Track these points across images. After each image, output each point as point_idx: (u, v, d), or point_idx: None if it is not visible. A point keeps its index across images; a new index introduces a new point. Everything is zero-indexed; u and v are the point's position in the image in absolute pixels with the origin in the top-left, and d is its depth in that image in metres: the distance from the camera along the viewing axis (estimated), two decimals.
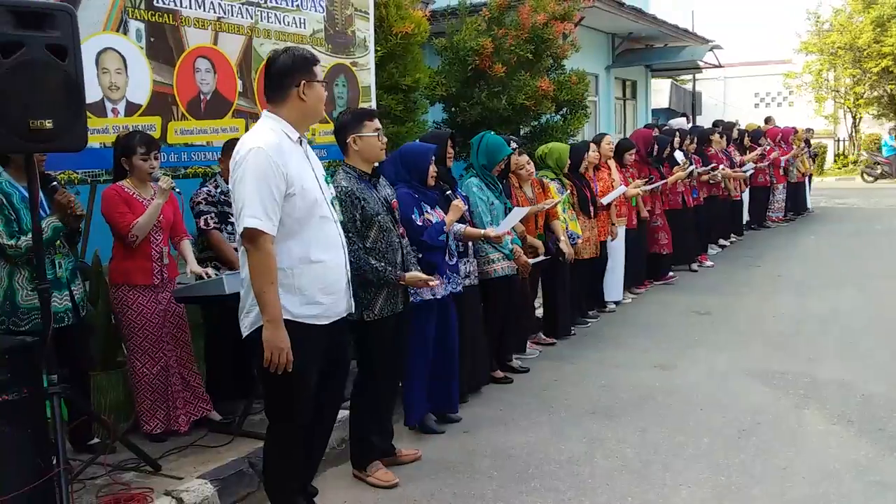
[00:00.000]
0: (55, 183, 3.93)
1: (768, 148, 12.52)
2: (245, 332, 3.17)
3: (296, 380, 3.10)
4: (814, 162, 15.18)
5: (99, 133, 4.46)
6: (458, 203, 4.56)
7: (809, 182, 15.23)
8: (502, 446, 4.39)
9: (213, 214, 4.69)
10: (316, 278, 3.13)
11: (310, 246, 3.11)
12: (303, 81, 3.12)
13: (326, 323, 3.21)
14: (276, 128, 3.11)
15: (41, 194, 3.76)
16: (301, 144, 3.19)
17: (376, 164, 3.96)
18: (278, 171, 2.98)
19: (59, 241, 3.92)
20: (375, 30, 6.78)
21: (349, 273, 3.34)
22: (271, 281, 2.97)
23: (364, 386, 4.02)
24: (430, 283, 4.02)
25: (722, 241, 11.20)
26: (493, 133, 5.72)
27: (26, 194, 3.71)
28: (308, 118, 3.26)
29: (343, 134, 3.84)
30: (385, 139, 3.94)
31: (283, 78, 3.12)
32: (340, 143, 3.89)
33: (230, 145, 4.68)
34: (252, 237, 2.95)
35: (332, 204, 3.30)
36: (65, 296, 3.95)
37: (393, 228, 3.90)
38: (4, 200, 3.72)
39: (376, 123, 3.85)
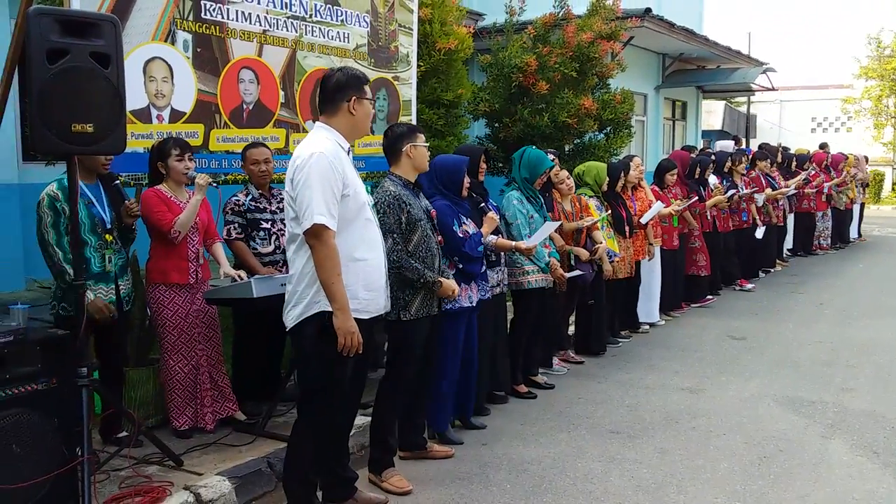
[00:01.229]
0: (118, 183, 4.25)
1: (812, 173, 12.30)
2: (290, 324, 3.39)
3: (337, 368, 3.35)
4: (864, 191, 14.78)
5: (144, 138, 4.64)
6: (492, 215, 4.74)
7: (861, 210, 14.91)
8: (518, 460, 4.42)
9: (236, 224, 4.84)
10: (359, 275, 3.39)
11: (356, 245, 3.38)
12: (353, 97, 3.42)
13: (366, 318, 3.44)
14: (331, 137, 3.40)
15: (102, 191, 4.19)
16: (349, 154, 3.46)
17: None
18: (337, 174, 3.26)
19: (111, 237, 4.16)
20: (419, 45, 6.90)
21: (387, 273, 3.61)
22: (338, 272, 3.23)
23: (391, 387, 4.16)
24: (454, 295, 4.19)
25: (767, 268, 11.01)
26: (534, 147, 5.81)
27: (86, 191, 4.08)
28: (356, 131, 3.54)
29: (399, 142, 4.11)
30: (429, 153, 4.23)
31: (335, 93, 3.42)
32: (394, 151, 4.13)
33: (246, 146, 4.97)
34: (318, 233, 3.19)
35: (372, 209, 3.58)
36: (111, 289, 4.18)
37: (432, 236, 4.11)
38: (61, 196, 3.97)
39: (424, 137, 4.21)
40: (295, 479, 3.54)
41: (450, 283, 4.13)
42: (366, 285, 3.42)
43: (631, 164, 7.37)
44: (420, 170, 4.17)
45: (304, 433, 3.52)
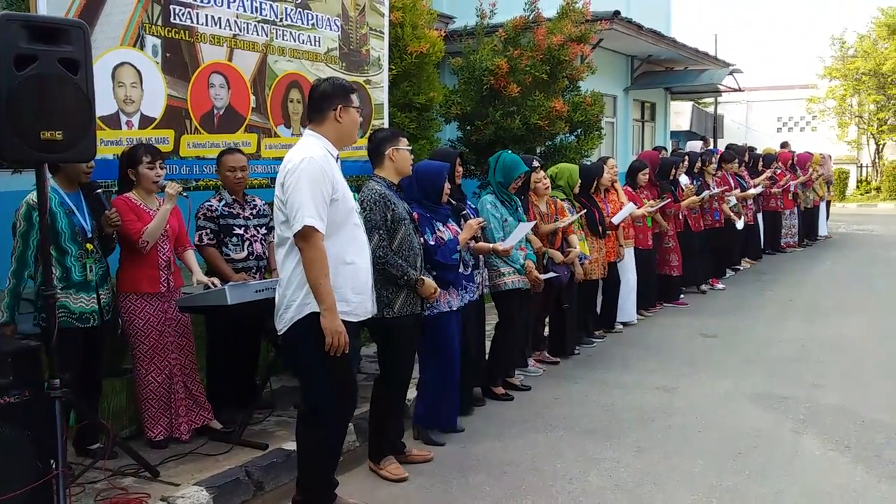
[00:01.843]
0: (98, 192, 4.22)
1: (779, 172, 12.49)
2: (283, 327, 3.45)
3: (333, 368, 3.39)
4: (829, 189, 15.04)
5: (113, 145, 4.58)
6: (472, 222, 4.77)
7: (827, 208, 15.15)
8: (498, 462, 4.42)
9: (208, 230, 4.81)
10: (348, 278, 3.46)
11: (345, 248, 3.45)
12: (339, 106, 3.52)
13: (354, 321, 3.52)
14: (320, 144, 3.49)
15: (82, 200, 4.17)
16: (337, 161, 3.54)
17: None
18: (327, 178, 3.34)
19: (91, 246, 4.13)
20: (390, 49, 6.89)
21: (373, 277, 3.71)
22: (325, 273, 3.29)
23: (384, 384, 4.27)
24: (432, 298, 4.28)
25: (735, 266, 11.16)
26: (509, 152, 5.84)
27: (66, 200, 4.06)
28: (343, 138, 3.61)
29: (382, 146, 4.24)
30: (412, 157, 4.34)
31: (322, 102, 3.53)
32: (377, 154, 4.26)
33: (221, 152, 4.95)
34: (307, 235, 3.25)
35: (359, 214, 3.68)
36: (93, 298, 4.14)
37: (414, 235, 4.20)
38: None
39: (406, 141, 4.34)
40: (312, 475, 3.61)
41: (431, 283, 4.22)
42: (354, 288, 3.48)
43: (605, 165, 7.41)
44: (402, 173, 4.28)
45: (315, 439, 3.57)
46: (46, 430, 3.30)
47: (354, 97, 3.60)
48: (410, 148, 4.35)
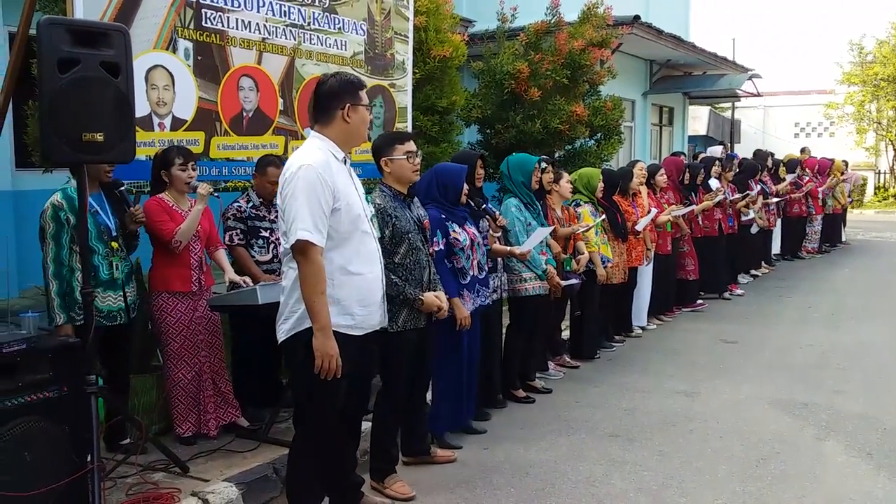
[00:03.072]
0: (123, 189, 4.24)
1: (806, 179, 12.47)
2: (281, 337, 3.32)
3: (328, 386, 3.21)
4: (849, 195, 15.01)
5: (145, 146, 4.65)
6: (493, 233, 4.85)
7: (844, 215, 15.10)
8: (521, 464, 4.46)
9: (238, 231, 4.87)
10: (354, 290, 3.28)
11: (350, 258, 3.27)
12: (348, 104, 3.30)
13: (360, 334, 3.34)
14: (323, 147, 3.29)
15: (104, 200, 4.21)
16: (345, 163, 3.36)
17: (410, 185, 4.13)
18: (326, 187, 3.15)
19: (116, 244, 4.19)
20: (414, 52, 6.95)
21: (384, 287, 3.50)
22: (321, 291, 3.12)
23: (387, 397, 4.14)
24: (441, 315, 4.11)
25: (753, 271, 11.16)
26: (513, 154, 5.90)
27: (90, 200, 4.02)
28: (352, 139, 3.41)
29: (376, 156, 4.05)
30: (419, 161, 4.07)
31: (330, 100, 3.31)
32: (376, 162, 4.07)
33: (264, 161, 4.92)
34: (303, 249, 3.09)
35: (372, 220, 3.48)
36: (119, 296, 4.20)
37: (422, 248, 4.05)
38: (65, 205, 4.00)
39: (408, 146, 3.99)
40: (296, 491, 3.51)
41: (432, 300, 4.00)
42: (360, 300, 3.31)
43: (634, 169, 7.45)
44: (404, 181, 4.01)
45: (301, 447, 3.47)
46: (82, 425, 3.38)
47: (363, 94, 3.36)
48: (409, 154, 3.96)
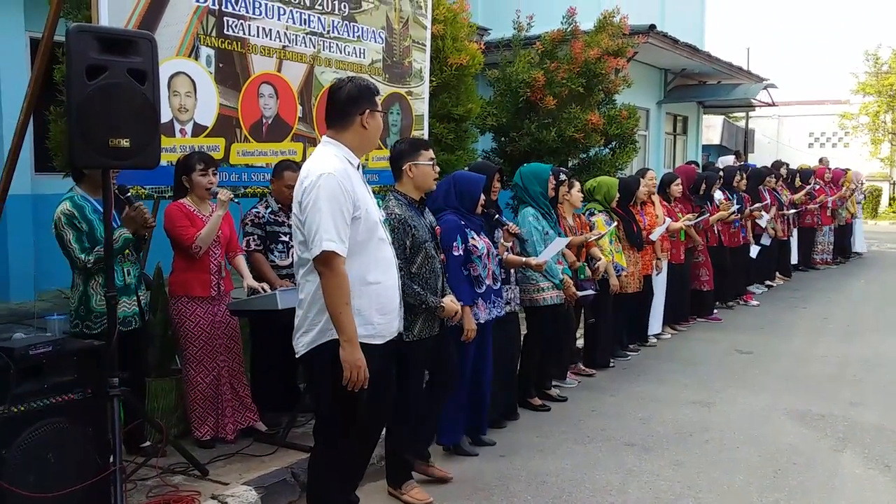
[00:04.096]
0: (130, 195, 4.20)
1: (817, 188, 12.43)
2: (301, 351, 3.26)
3: (353, 398, 3.16)
4: (861, 205, 14.94)
5: (166, 152, 4.67)
6: (504, 242, 4.85)
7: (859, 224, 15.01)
8: (537, 472, 4.47)
9: (255, 236, 4.90)
10: (372, 299, 3.24)
11: (368, 267, 3.23)
12: (367, 110, 3.26)
13: (381, 343, 3.31)
14: (339, 154, 3.23)
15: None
16: (359, 170, 3.32)
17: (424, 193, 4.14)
18: (348, 196, 3.10)
19: (127, 251, 4.20)
20: (431, 60, 7.00)
21: (401, 294, 3.47)
22: (346, 301, 3.07)
23: (402, 405, 4.10)
24: (456, 319, 4.11)
25: (768, 282, 11.12)
26: (524, 165, 5.92)
27: (98, 206, 4.04)
28: (367, 145, 3.39)
29: (400, 161, 4.02)
30: (438, 168, 4.10)
31: (347, 106, 3.25)
32: (395, 169, 4.06)
33: (282, 167, 4.94)
34: (327, 260, 3.03)
35: (385, 225, 3.45)
36: (133, 301, 4.25)
37: (436, 255, 4.06)
38: (76, 213, 4.02)
39: (431, 153, 4.04)
40: (317, 499, 3.46)
41: (451, 305, 4.03)
42: (380, 309, 3.27)
43: (643, 178, 7.46)
44: (423, 188, 4.04)
45: (321, 459, 3.43)
46: (105, 428, 3.41)
47: (378, 99, 3.34)
48: (433, 161, 4.03)
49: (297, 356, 3.30)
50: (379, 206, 3.50)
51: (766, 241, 10.38)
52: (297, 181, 3.20)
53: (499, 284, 4.83)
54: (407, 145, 4.10)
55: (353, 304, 3.14)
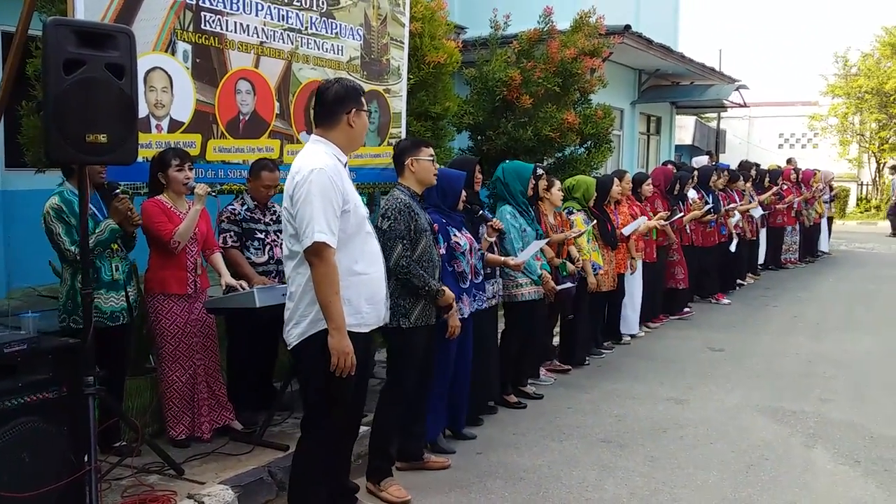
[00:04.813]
0: (118, 191, 4.22)
1: (786, 188, 12.60)
2: (293, 342, 3.36)
3: (340, 385, 3.30)
4: (830, 206, 15.15)
5: (142, 148, 4.59)
6: (488, 237, 4.94)
7: (829, 225, 15.24)
8: (514, 468, 4.50)
9: (232, 233, 4.88)
10: (361, 289, 3.37)
11: (357, 259, 3.37)
12: (353, 109, 3.41)
13: (366, 331, 3.44)
14: (329, 151, 3.37)
15: (100, 200, 4.21)
16: (345, 167, 3.44)
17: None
18: (338, 190, 3.24)
19: (116, 245, 4.20)
20: (409, 58, 6.99)
21: (388, 284, 3.62)
22: (336, 291, 3.20)
23: (392, 396, 4.20)
24: (451, 312, 4.28)
25: (739, 281, 11.26)
26: (506, 161, 5.93)
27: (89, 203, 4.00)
28: (354, 143, 3.53)
29: (403, 156, 4.26)
30: (437, 166, 4.31)
31: (335, 105, 3.40)
32: (398, 164, 4.29)
33: (258, 165, 4.94)
34: (319, 251, 3.16)
35: (371, 221, 3.58)
36: (121, 296, 4.26)
37: (434, 246, 4.22)
38: (65, 208, 4.02)
39: (431, 151, 4.30)
40: (302, 494, 3.49)
41: (450, 293, 4.21)
42: (368, 299, 3.40)
43: (620, 179, 7.53)
44: (424, 183, 4.28)
45: (309, 450, 3.48)
46: (80, 427, 3.37)
47: (364, 99, 3.49)
48: (433, 158, 4.30)
49: (288, 348, 3.41)
50: (364, 202, 3.64)
51: (732, 246, 10.45)
52: (289, 176, 3.32)
53: (480, 279, 4.89)
54: (408, 143, 4.40)
55: (343, 294, 3.25)
